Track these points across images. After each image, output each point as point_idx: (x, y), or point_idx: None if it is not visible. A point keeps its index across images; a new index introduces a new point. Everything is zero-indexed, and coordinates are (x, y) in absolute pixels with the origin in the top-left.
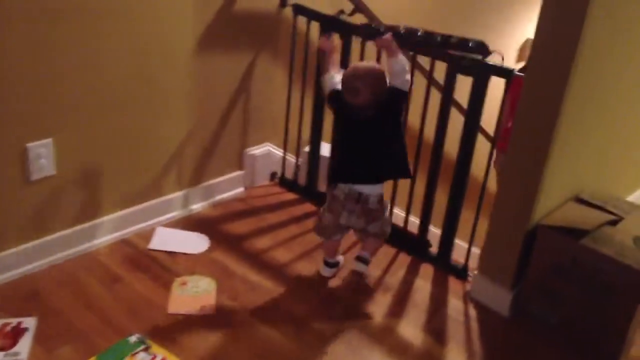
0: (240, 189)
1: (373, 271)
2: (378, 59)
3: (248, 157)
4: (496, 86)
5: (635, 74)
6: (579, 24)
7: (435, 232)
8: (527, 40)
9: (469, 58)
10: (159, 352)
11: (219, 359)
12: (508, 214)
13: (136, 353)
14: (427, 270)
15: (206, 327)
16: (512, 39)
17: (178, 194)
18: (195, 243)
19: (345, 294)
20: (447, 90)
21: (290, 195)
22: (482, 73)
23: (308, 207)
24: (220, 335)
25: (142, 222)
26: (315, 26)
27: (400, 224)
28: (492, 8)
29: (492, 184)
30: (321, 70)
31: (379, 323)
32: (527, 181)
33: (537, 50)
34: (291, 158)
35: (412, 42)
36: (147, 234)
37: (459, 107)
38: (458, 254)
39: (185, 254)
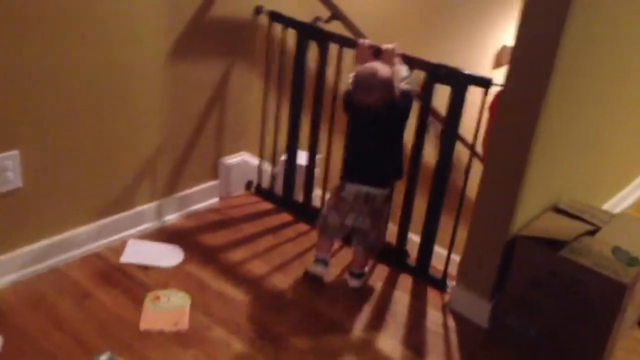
0: (216, 199)
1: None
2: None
3: (223, 166)
4: (475, 92)
5: (611, 83)
6: (557, 35)
7: (414, 238)
8: (503, 47)
9: (446, 67)
10: None
11: None
12: (487, 225)
13: None
14: (405, 281)
15: (180, 344)
16: (489, 46)
17: (151, 205)
18: (169, 256)
19: (323, 307)
20: (426, 99)
21: (267, 205)
22: (459, 82)
23: (284, 217)
24: (194, 352)
25: (113, 234)
26: (291, 33)
27: None
28: (469, 15)
29: (472, 192)
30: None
31: (358, 337)
32: (505, 192)
33: (515, 60)
34: (267, 167)
35: None
36: (119, 247)
37: (437, 115)
38: (437, 260)
39: (158, 267)
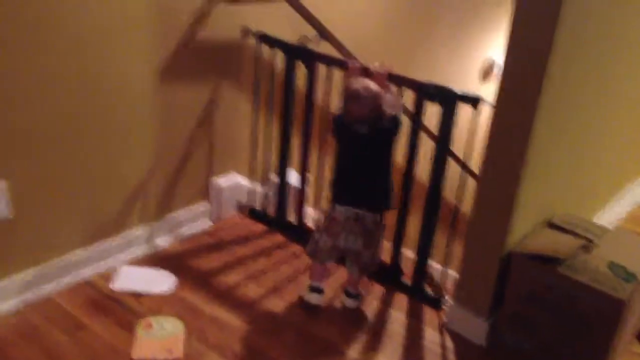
0: (207, 222)
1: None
2: None
3: (214, 188)
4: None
5: (598, 93)
6: (547, 49)
7: (408, 254)
8: (490, 61)
9: (435, 85)
10: None
11: None
12: (482, 243)
13: None
14: (401, 300)
15: None
16: (475, 59)
17: (142, 230)
18: (161, 281)
19: (319, 329)
20: (416, 116)
21: (259, 227)
22: (449, 100)
23: (278, 238)
24: None
25: (104, 260)
26: (279, 53)
27: None
28: (455, 29)
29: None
30: None
31: (355, 359)
32: (500, 209)
33: (506, 77)
34: (259, 187)
35: None
36: (110, 274)
37: (429, 132)
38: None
39: (150, 293)
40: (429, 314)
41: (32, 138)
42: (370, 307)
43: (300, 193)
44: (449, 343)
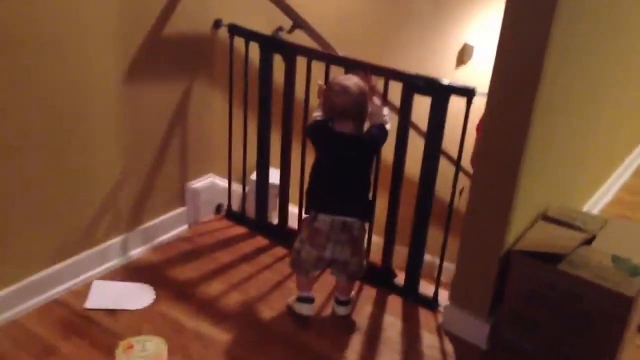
0: (184, 227)
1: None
2: (326, 82)
3: (190, 191)
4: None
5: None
6: (543, 41)
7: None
8: (465, 45)
9: (425, 78)
10: None
11: None
12: (479, 241)
13: None
14: (395, 303)
15: None
16: (451, 44)
17: (115, 241)
18: (139, 296)
19: (309, 340)
20: (404, 111)
21: (239, 229)
22: (440, 93)
23: (259, 241)
24: None
25: (75, 277)
26: (254, 46)
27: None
28: (430, 13)
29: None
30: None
31: None
32: (498, 205)
33: (500, 70)
34: (237, 188)
35: None
36: (83, 291)
37: (417, 129)
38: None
39: (128, 310)
40: (424, 315)
41: None
42: (363, 313)
43: (283, 192)
44: (448, 346)
